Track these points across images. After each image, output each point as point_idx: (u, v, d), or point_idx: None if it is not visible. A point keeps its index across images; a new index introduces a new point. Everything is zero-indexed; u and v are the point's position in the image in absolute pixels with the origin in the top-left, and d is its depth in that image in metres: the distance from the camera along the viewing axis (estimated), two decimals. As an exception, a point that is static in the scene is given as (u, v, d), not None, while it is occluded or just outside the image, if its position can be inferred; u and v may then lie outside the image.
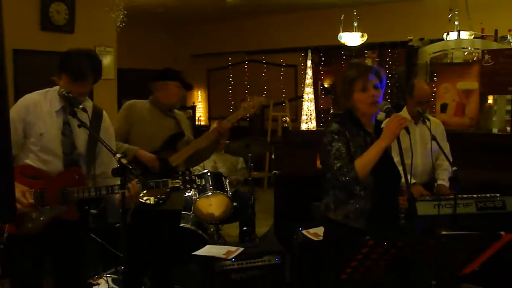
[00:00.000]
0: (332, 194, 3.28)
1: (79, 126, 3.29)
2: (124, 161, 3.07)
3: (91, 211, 5.28)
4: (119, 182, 3.29)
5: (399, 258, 2.41)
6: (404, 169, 3.01)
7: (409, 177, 3.04)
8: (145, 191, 4.14)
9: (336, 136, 3.19)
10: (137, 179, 3.36)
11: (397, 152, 3.11)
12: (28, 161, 3.34)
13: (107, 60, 8.83)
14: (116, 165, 3.35)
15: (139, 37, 12.64)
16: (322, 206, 3.38)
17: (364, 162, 3.08)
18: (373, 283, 2.62)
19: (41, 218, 3.32)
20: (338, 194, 3.25)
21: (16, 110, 3.36)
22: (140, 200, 4.25)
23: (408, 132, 3.10)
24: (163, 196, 4.30)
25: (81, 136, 3.47)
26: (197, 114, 14.43)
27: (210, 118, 14.34)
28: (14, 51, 7.06)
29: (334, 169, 3.14)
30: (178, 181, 3.63)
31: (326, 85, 12.63)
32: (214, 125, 4.64)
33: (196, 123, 14.11)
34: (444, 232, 2.54)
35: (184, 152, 4.38)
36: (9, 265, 3.45)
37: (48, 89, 3.50)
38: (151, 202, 4.30)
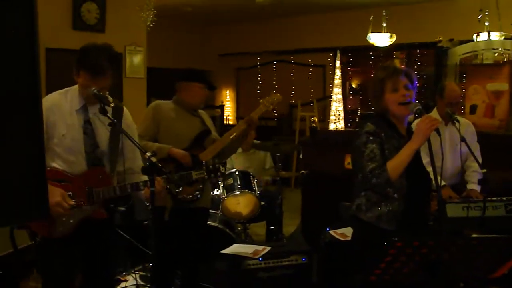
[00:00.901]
0: (364, 195, 3.28)
1: (109, 125, 3.28)
2: (153, 159, 3.09)
3: (119, 208, 5.38)
4: (144, 179, 3.32)
5: (428, 259, 2.41)
6: (434, 171, 3.01)
7: (439, 179, 3.02)
8: (180, 189, 4.22)
9: (371, 137, 3.18)
10: (165, 176, 3.38)
11: (427, 153, 3.08)
12: (53, 164, 3.32)
13: (137, 59, 8.91)
14: (140, 160, 3.40)
15: (168, 37, 12.71)
16: (353, 206, 3.36)
17: (396, 164, 3.07)
18: (401, 284, 2.61)
19: (71, 221, 3.33)
20: (371, 195, 3.24)
21: None
22: (177, 197, 4.32)
23: (439, 134, 3.08)
24: (197, 193, 4.41)
25: (103, 134, 3.46)
26: (225, 113, 14.47)
27: (238, 117, 14.37)
28: (46, 49, 7.17)
29: (366, 171, 3.12)
30: (201, 171, 3.68)
31: (354, 86, 12.58)
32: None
33: (224, 122, 14.15)
34: (474, 235, 2.53)
35: (213, 148, 4.46)
36: (43, 266, 3.50)
37: (68, 88, 3.48)
38: (187, 199, 4.38)
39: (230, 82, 14.32)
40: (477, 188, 4.65)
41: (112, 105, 3.29)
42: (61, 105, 3.37)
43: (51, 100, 3.39)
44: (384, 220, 3.18)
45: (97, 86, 3.30)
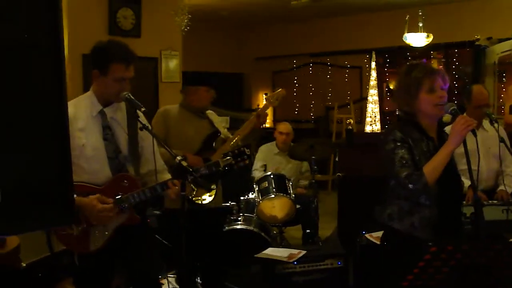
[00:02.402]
0: (396, 204, 3.20)
1: (141, 129, 3.26)
2: (184, 163, 3.08)
3: (155, 212, 5.40)
4: (168, 177, 3.31)
5: (463, 264, 2.35)
6: (470, 173, 2.93)
7: (474, 181, 2.95)
8: (194, 192, 4.24)
9: (399, 144, 3.10)
10: (193, 178, 3.35)
11: (462, 156, 3.01)
12: (77, 178, 3.16)
13: (173, 64, 8.96)
14: (161, 159, 3.41)
15: (203, 40, 12.76)
16: (384, 215, 3.29)
17: (433, 167, 2.98)
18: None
19: (106, 233, 3.31)
20: (403, 204, 3.16)
21: None
22: (194, 201, 4.35)
23: (475, 135, 3.01)
24: (210, 194, 4.48)
25: (122, 138, 3.43)
26: (262, 117, 14.44)
27: (275, 120, 14.35)
28: (83, 55, 7.26)
29: (401, 177, 3.04)
30: (228, 158, 3.67)
31: (391, 87, 12.45)
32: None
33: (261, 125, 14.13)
34: None
35: (223, 149, 4.49)
36: (80, 279, 3.50)
37: (79, 97, 3.44)
38: (203, 201, 4.41)
39: (267, 85, 14.30)
40: (509, 189, 4.56)
41: (143, 109, 3.25)
42: (75, 116, 3.27)
43: None
44: (418, 228, 3.10)
45: (130, 75, 3.31)
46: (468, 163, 2.94)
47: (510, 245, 2.43)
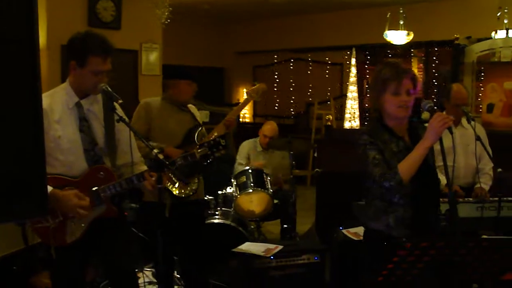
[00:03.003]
0: (372, 204, 3.23)
1: (117, 121, 3.24)
2: (161, 156, 3.07)
3: (132, 205, 5.38)
4: (144, 169, 3.29)
5: (438, 260, 2.37)
6: (446, 170, 2.95)
7: (450, 178, 2.97)
8: (176, 185, 4.24)
9: (368, 146, 3.13)
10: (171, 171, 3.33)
11: (439, 153, 3.03)
12: (53, 170, 3.21)
13: (153, 57, 8.94)
14: (138, 151, 3.39)
15: (184, 34, 12.73)
16: (363, 216, 3.34)
17: (408, 165, 3.00)
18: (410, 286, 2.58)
19: (82, 225, 3.29)
20: (378, 204, 3.18)
21: None
22: (174, 194, 4.36)
23: (451, 132, 3.03)
24: (194, 188, 4.47)
25: (99, 130, 3.40)
26: (242, 112, 14.46)
27: (255, 115, 14.37)
28: (62, 46, 7.20)
29: (376, 176, 3.07)
30: (204, 148, 3.66)
31: (371, 84, 12.51)
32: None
33: (241, 120, 14.15)
34: (484, 236, 2.48)
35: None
36: (56, 271, 3.46)
37: (54, 88, 3.40)
38: (183, 195, 4.41)
39: (247, 80, 14.30)
40: (486, 187, 4.60)
41: (120, 101, 3.22)
42: (51, 107, 3.25)
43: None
44: (394, 228, 3.12)
45: (107, 68, 3.28)
46: (444, 160, 2.96)
47: (482, 242, 2.45)
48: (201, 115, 4.96)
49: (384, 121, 3.21)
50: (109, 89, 3.25)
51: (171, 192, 4.38)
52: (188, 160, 3.67)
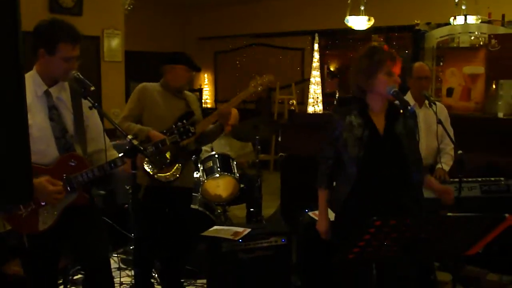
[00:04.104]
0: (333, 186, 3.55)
1: (90, 108, 3.23)
2: (135, 142, 3.10)
3: (100, 192, 5.38)
4: (116, 155, 3.32)
5: (405, 238, 2.47)
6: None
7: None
8: (156, 169, 4.29)
9: (332, 127, 3.39)
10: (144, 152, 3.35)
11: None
12: None
13: (115, 43, 8.88)
14: (105, 137, 3.39)
15: (146, 20, 12.63)
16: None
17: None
18: (379, 262, 2.68)
19: (55, 213, 3.31)
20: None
21: None
22: (154, 177, 4.41)
23: (415, 116, 3.15)
24: (174, 173, 4.54)
25: (68, 118, 3.40)
26: (204, 97, 14.46)
27: (217, 101, 14.37)
28: (24, 33, 7.10)
29: (320, 154, 3.49)
30: (174, 135, 3.70)
31: (332, 69, 12.62)
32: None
33: (203, 105, 14.15)
34: (449, 214, 2.59)
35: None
36: (27, 259, 3.46)
37: None
38: (164, 180, 4.45)
39: (209, 66, 14.28)
40: (446, 167, 4.74)
41: (92, 88, 3.22)
42: None
43: None
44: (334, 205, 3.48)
45: (76, 54, 3.28)
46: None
47: (446, 219, 2.56)
48: (198, 104, 4.95)
49: (366, 100, 3.36)
50: (81, 76, 3.26)
51: (151, 176, 4.44)
52: (159, 147, 3.69)
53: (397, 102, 3.27)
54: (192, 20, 14.24)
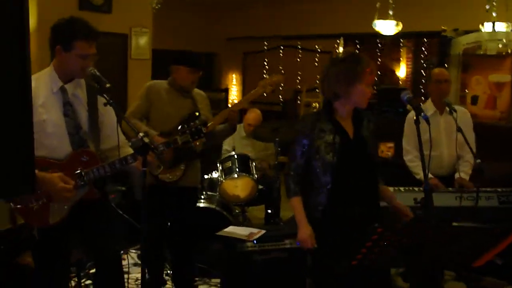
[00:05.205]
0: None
1: (105, 105, 3.27)
2: (146, 140, 3.12)
3: (119, 188, 5.43)
4: (130, 152, 3.34)
5: (406, 244, 2.46)
6: (422, 160, 3.05)
7: (427, 169, 3.06)
8: (160, 169, 4.31)
9: (301, 135, 3.37)
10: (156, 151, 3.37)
11: (415, 145, 3.14)
12: (37, 153, 3.10)
13: (143, 41, 8.96)
14: (122, 134, 3.45)
15: (175, 19, 12.69)
16: None
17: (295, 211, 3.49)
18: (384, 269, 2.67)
19: (65, 207, 3.36)
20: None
21: None
22: (158, 178, 4.44)
23: (428, 123, 3.12)
24: (178, 174, 4.59)
25: (83, 115, 3.46)
26: (231, 97, 14.50)
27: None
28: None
29: (286, 166, 3.47)
30: (186, 135, 3.71)
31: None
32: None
33: (229, 105, 14.17)
34: (455, 224, 2.57)
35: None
36: (38, 252, 3.53)
37: (39, 72, 3.44)
38: (167, 180, 4.48)
39: (237, 66, 14.32)
40: (465, 176, 4.68)
41: (108, 85, 3.25)
42: (35, 92, 3.24)
43: None
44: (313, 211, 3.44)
45: (93, 52, 3.34)
46: (421, 152, 3.06)
47: (451, 229, 2.53)
48: (208, 103, 4.96)
49: (335, 109, 3.35)
50: (98, 73, 3.30)
51: (155, 176, 4.47)
52: (170, 146, 3.72)
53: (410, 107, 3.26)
54: (221, 20, 14.27)
